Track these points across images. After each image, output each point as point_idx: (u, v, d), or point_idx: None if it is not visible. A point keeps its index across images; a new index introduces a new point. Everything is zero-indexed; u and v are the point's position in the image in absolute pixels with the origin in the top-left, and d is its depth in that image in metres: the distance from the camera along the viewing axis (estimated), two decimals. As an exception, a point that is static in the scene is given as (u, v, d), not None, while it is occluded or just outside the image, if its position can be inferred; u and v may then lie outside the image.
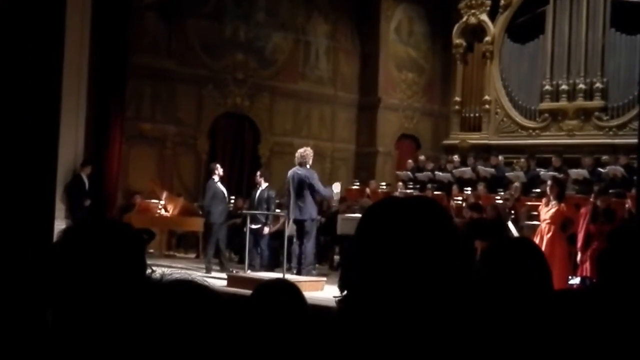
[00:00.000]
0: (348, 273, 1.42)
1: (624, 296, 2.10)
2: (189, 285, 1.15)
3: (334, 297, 1.46)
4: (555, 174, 14.64)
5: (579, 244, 10.12)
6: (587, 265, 9.82)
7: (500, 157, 16.76)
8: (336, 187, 11.43)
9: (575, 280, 9.91)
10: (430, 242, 1.36)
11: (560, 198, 10.11)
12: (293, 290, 2.74)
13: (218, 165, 12.38)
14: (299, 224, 10.88)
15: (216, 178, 12.16)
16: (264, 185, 12.44)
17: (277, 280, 2.92)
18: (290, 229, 11.30)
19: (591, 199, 10.78)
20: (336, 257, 14.18)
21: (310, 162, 10.97)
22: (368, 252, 1.38)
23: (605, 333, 2.02)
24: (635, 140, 9.56)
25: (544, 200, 10.56)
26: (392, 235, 1.37)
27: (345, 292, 1.40)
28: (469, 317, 1.40)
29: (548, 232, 9.78)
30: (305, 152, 10.99)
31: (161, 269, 1.40)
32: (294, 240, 11.06)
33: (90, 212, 12.25)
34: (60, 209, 10.53)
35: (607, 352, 1.96)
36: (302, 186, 10.75)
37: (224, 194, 12.19)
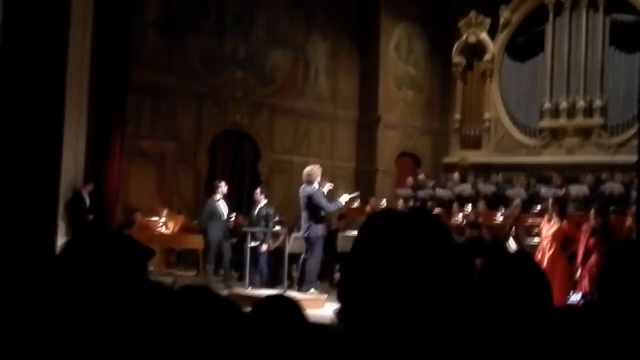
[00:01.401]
0: (346, 285, 1.40)
1: (623, 313, 2.08)
2: (203, 292, 1.14)
3: (334, 311, 1.44)
4: (556, 191, 14.64)
5: (579, 259, 10.11)
6: (586, 281, 9.80)
7: (501, 175, 16.75)
8: (344, 198, 11.45)
9: (575, 297, 9.88)
10: (428, 254, 1.35)
11: (561, 215, 10.10)
12: (293, 307, 2.72)
13: (223, 183, 12.40)
14: (308, 240, 10.88)
15: (218, 196, 12.17)
16: (263, 202, 12.42)
17: (277, 296, 2.90)
18: (291, 246, 11.30)
19: (591, 216, 10.78)
20: (336, 275, 14.14)
21: (318, 179, 10.96)
22: (365, 264, 1.37)
23: (605, 349, 2.01)
24: (635, 158, 9.54)
25: (545, 217, 10.55)
26: (390, 246, 1.36)
27: (342, 304, 1.38)
28: (466, 329, 1.38)
29: (549, 250, 9.77)
30: (312, 170, 11.00)
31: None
32: (302, 256, 11.06)
33: (91, 226, 12.23)
34: (61, 226, 10.50)
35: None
36: (309, 204, 10.76)
37: (222, 212, 12.19)
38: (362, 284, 1.36)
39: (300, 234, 11.11)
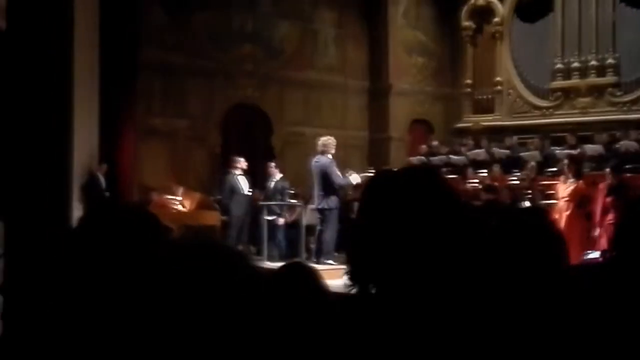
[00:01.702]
0: (353, 246, 1.40)
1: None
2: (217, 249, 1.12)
3: (346, 285, 1.44)
4: (571, 151, 14.57)
5: (597, 218, 10.10)
6: (604, 239, 9.81)
7: (515, 138, 16.69)
8: (355, 178, 11.48)
9: (594, 255, 9.88)
10: (428, 211, 1.35)
11: (577, 176, 10.10)
12: (311, 273, 2.73)
13: (240, 159, 12.49)
14: (321, 212, 10.92)
15: (237, 172, 12.24)
16: (278, 176, 12.46)
17: (295, 263, 2.91)
18: (308, 218, 11.33)
19: (606, 175, 10.74)
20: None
21: (333, 151, 10.97)
22: (370, 224, 1.36)
23: (621, 306, 2.00)
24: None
25: (561, 178, 10.54)
26: (393, 205, 1.36)
27: (359, 282, 1.38)
28: (476, 287, 1.38)
29: (566, 210, 9.78)
30: (327, 140, 11.01)
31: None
32: (318, 227, 11.11)
33: (107, 202, 12.31)
34: (78, 208, 10.56)
35: (623, 327, 1.94)
36: (323, 176, 10.78)
37: (242, 187, 12.26)
38: (369, 244, 1.36)
39: (314, 205, 11.13)
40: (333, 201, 10.90)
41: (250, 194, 13.00)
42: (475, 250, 1.36)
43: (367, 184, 1.47)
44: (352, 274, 1.40)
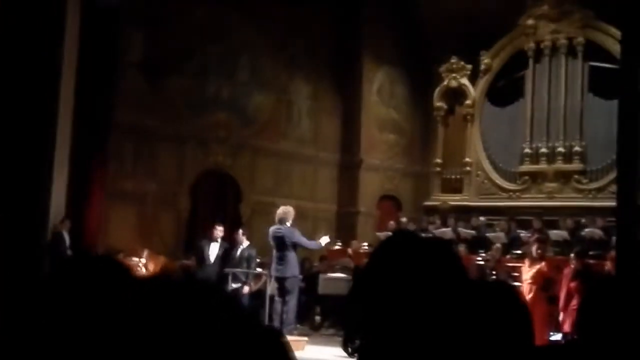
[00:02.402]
0: (358, 317, 1.40)
1: (604, 349, 2.09)
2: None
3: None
4: (536, 234, 14.72)
5: (561, 303, 10.16)
6: (568, 324, 9.85)
7: (482, 218, 16.84)
8: (324, 240, 11.52)
9: (557, 337, 9.91)
10: (447, 281, 1.37)
11: (542, 258, 10.18)
12: (282, 345, 2.70)
13: (218, 227, 12.54)
14: (281, 281, 10.87)
15: (213, 239, 12.29)
16: (245, 243, 12.42)
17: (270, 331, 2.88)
18: (272, 288, 11.27)
19: (571, 260, 10.85)
20: (317, 318, 14.07)
21: (291, 220, 11.02)
22: (385, 292, 1.37)
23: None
24: (614, 203, 9.66)
25: (526, 260, 10.62)
26: (411, 273, 1.37)
27: (358, 340, 1.38)
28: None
29: (529, 293, 9.80)
30: (287, 209, 11.08)
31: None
32: (276, 298, 11.03)
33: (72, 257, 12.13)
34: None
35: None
36: (283, 244, 10.79)
37: (209, 256, 12.28)
38: (382, 311, 1.37)
39: (274, 274, 11.07)
40: (293, 270, 10.89)
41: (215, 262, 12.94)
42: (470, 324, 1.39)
43: (386, 242, 1.48)
44: (353, 339, 1.40)
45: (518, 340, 2.06)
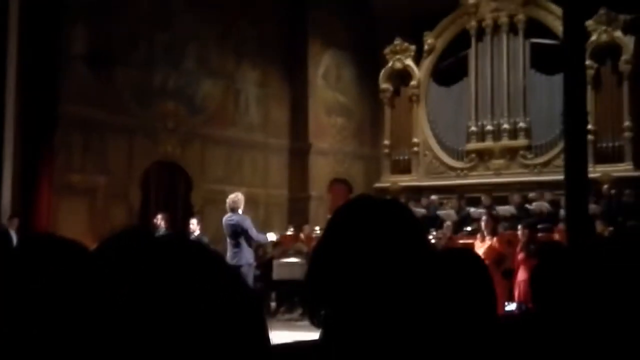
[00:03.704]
0: (321, 287, 1.42)
1: (561, 317, 2.14)
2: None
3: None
4: (485, 211, 14.96)
5: (515, 277, 10.37)
6: (521, 292, 10.06)
7: (432, 197, 17.03)
8: (271, 236, 11.54)
9: (511, 306, 10.10)
10: (405, 241, 1.40)
11: (493, 233, 10.37)
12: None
13: (160, 216, 12.43)
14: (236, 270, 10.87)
15: (161, 230, 12.14)
16: (197, 232, 12.37)
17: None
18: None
19: (519, 234, 11.07)
20: (272, 304, 14.10)
21: (242, 207, 11.00)
22: (345, 257, 1.39)
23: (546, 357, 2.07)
24: (560, 177, 9.88)
25: (478, 236, 10.80)
26: (366, 234, 1.40)
27: (324, 310, 1.39)
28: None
29: (482, 268, 10.00)
30: (237, 197, 11.03)
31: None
32: None
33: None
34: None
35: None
36: (236, 232, 10.78)
37: None
38: (334, 264, 1.38)
39: (229, 262, 11.06)
40: (248, 257, 10.89)
41: None
42: (427, 283, 1.42)
43: (344, 207, 1.49)
44: (312, 296, 1.41)
45: (482, 301, 2.11)
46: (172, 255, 0.83)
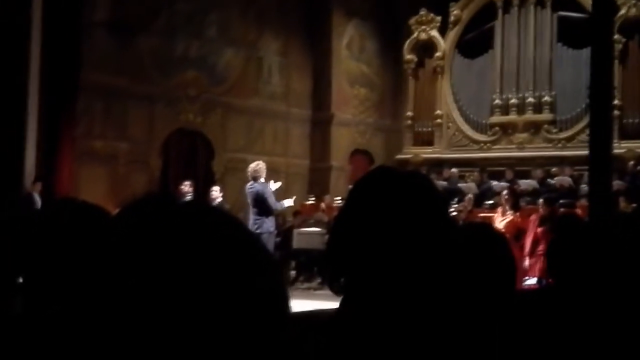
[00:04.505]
0: (341, 256, 1.41)
1: (577, 291, 2.11)
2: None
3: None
4: (508, 185, 14.87)
5: (527, 249, 10.29)
6: (537, 268, 9.98)
7: (454, 170, 16.95)
8: (288, 202, 11.56)
9: (531, 281, 10.03)
10: (430, 212, 1.38)
11: (515, 208, 10.28)
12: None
13: (187, 183, 12.52)
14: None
15: (187, 197, 12.20)
16: (219, 200, 12.42)
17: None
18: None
19: (539, 206, 10.99)
20: (292, 273, 14.16)
21: (264, 175, 11.05)
22: (366, 228, 1.37)
23: (565, 333, 2.04)
24: (584, 152, 9.76)
25: (499, 210, 10.73)
26: (387, 205, 1.38)
27: (344, 278, 1.39)
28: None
29: (502, 242, 9.92)
30: (258, 166, 11.11)
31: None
32: None
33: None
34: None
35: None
36: (258, 200, 10.85)
37: None
38: (365, 250, 1.37)
39: (251, 230, 11.13)
40: (269, 225, 10.97)
41: None
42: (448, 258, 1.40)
43: (365, 178, 1.48)
44: (337, 277, 1.41)
45: (501, 274, 2.09)
46: (194, 221, 0.84)
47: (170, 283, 0.79)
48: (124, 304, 0.79)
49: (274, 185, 11.39)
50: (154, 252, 0.80)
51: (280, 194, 11.73)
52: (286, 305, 0.85)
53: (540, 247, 9.95)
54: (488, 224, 2.48)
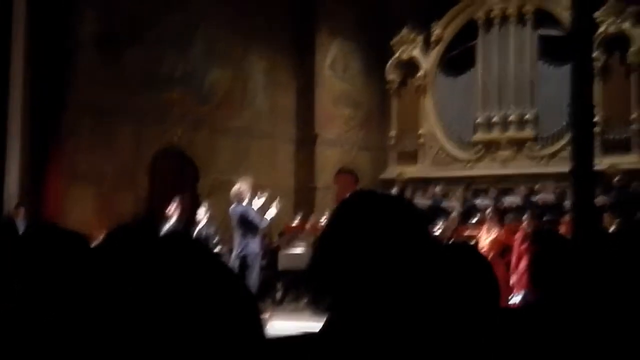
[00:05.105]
0: (325, 276, 1.43)
1: (559, 303, 2.14)
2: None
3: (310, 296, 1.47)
4: (492, 202, 14.96)
5: (512, 265, 10.37)
6: (522, 284, 10.05)
7: (437, 188, 17.02)
8: (271, 213, 11.46)
9: (516, 298, 10.10)
10: (411, 235, 1.41)
11: (499, 225, 10.38)
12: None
13: (172, 206, 12.43)
14: (242, 259, 10.92)
15: (173, 218, 12.17)
16: (204, 221, 12.39)
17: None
18: (232, 265, 11.29)
19: (523, 225, 11.06)
20: (278, 294, 14.14)
21: (247, 196, 11.03)
22: (349, 249, 1.40)
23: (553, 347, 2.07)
24: (567, 168, 9.86)
25: (484, 228, 10.80)
26: (374, 227, 1.41)
27: (328, 298, 1.41)
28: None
29: (487, 257, 10.01)
30: (240, 189, 11.09)
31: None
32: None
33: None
34: None
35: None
36: (243, 222, 10.85)
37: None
38: (350, 271, 1.39)
39: (235, 252, 11.12)
40: (254, 247, 10.96)
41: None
42: (432, 277, 1.43)
43: (347, 199, 1.51)
44: (321, 296, 1.44)
45: (485, 296, 2.13)
46: (171, 256, 0.86)
47: (147, 320, 0.81)
48: (100, 335, 0.82)
49: (259, 201, 11.36)
50: (131, 288, 0.82)
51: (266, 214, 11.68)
52: (261, 337, 0.87)
53: (522, 263, 10.03)
54: (469, 245, 2.52)
